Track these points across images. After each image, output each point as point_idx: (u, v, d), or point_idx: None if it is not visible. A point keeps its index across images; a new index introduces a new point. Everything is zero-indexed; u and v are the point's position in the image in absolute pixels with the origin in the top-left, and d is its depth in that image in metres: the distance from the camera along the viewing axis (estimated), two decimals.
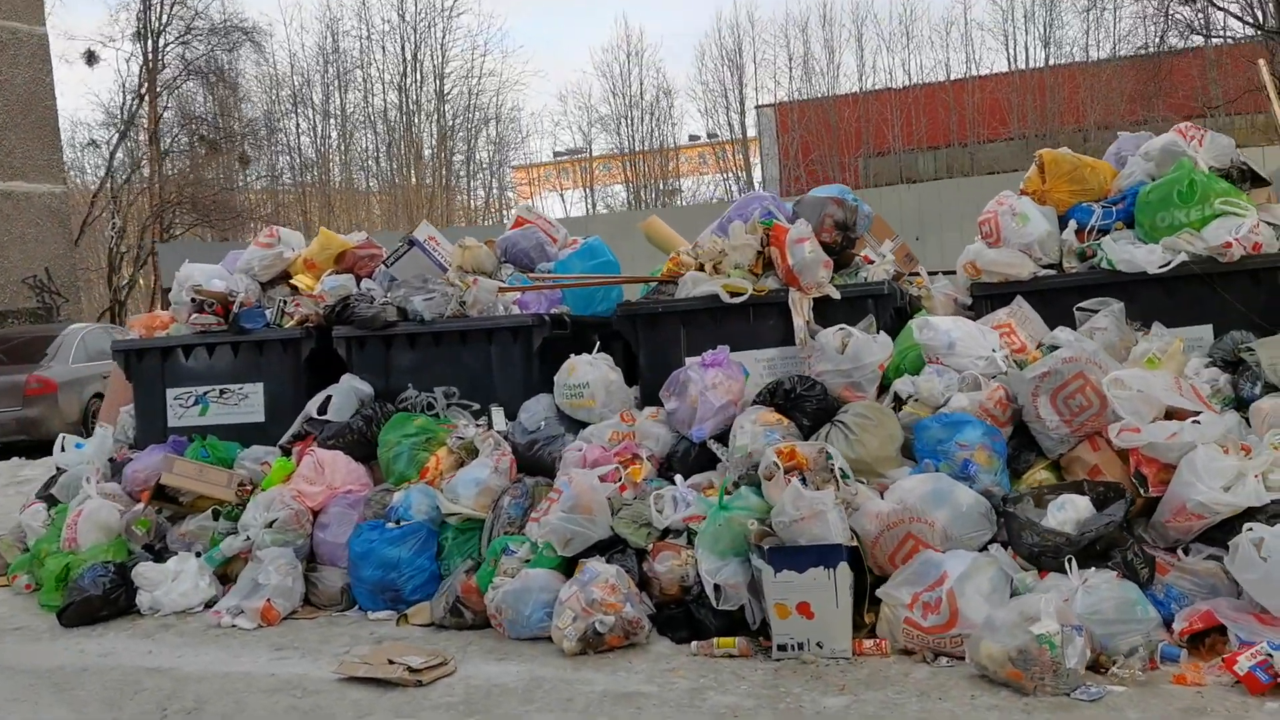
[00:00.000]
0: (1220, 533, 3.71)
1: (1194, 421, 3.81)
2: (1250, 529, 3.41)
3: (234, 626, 4.74)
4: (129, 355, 6.34)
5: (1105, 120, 30.97)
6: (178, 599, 5.04)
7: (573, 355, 5.23)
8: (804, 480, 3.92)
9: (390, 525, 4.90)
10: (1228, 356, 4.22)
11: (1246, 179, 4.68)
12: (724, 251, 5.08)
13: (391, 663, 3.94)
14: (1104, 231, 4.74)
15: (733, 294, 4.97)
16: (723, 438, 4.71)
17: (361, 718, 3.58)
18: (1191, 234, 4.45)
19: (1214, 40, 26.23)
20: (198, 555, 5.25)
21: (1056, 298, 4.71)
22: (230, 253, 6.72)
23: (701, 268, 5.23)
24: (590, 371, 5.09)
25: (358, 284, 6.15)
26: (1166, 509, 3.80)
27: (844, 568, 3.75)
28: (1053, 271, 4.78)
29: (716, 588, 4.03)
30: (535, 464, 5.08)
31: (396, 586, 4.76)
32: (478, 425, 5.32)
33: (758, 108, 37.22)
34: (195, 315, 6.02)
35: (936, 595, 3.70)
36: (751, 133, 37.92)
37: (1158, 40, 27.75)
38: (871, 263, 5.08)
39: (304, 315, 6.00)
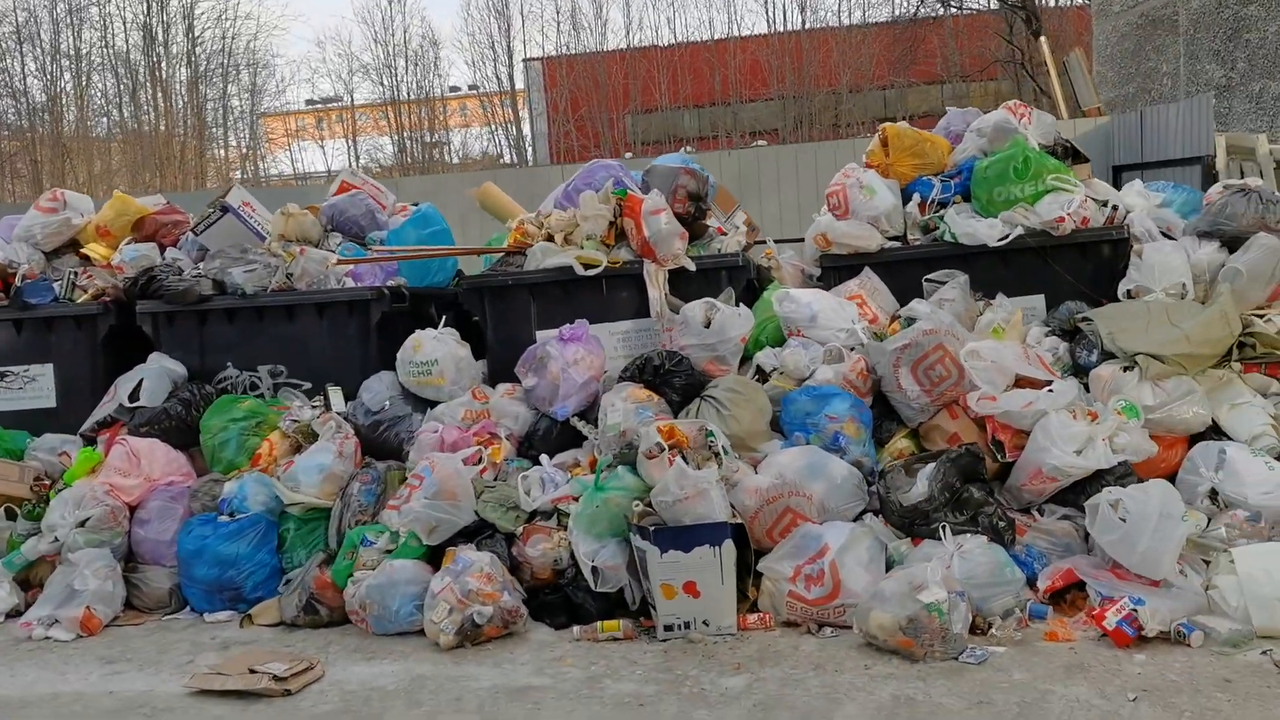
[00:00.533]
0: (1071, 494, 3.95)
1: (1049, 390, 4.03)
2: (1109, 491, 3.64)
3: (48, 639, 4.25)
4: None
5: (856, 84, 32.58)
6: None
7: (417, 331, 4.96)
8: (684, 459, 3.87)
9: (223, 518, 4.52)
10: (1064, 325, 4.49)
11: (1069, 155, 4.98)
12: (575, 222, 4.94)
13: (252, 671, 3.63)
14: (943, 204, 4.92)
15: (587, 266, 4.85)
16: (586, 414, 4.62)
17: None
18: (1026, 208, 4.69)
19: (959, 11, 27.93)
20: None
21: (902, 269, 4.86)
22: (4, 218, 5.96)
23: (550, 238, 5.07)
24: (438, 347, 4.85)
25: (162, 254, 5.60)
26: (1022, 473, 4.01)
27: (729, 545, 3.75)
28: (898, 244, 4.93)
29: (595, 570, 3.95)
30: (381, 447, 4.81)
31: (236, 585, 4.41)
32: (313, 407, 4.97)
33: (525, 61, 36.75)
34: None
35: (818, 567, 3.76)
36: (520, 86, 37.43)
37: (911, 10, 29.37)
38: (724, 234, 5.08)
39: (99, 289, 5.42)
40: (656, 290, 4.80)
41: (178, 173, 36.87)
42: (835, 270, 4.96)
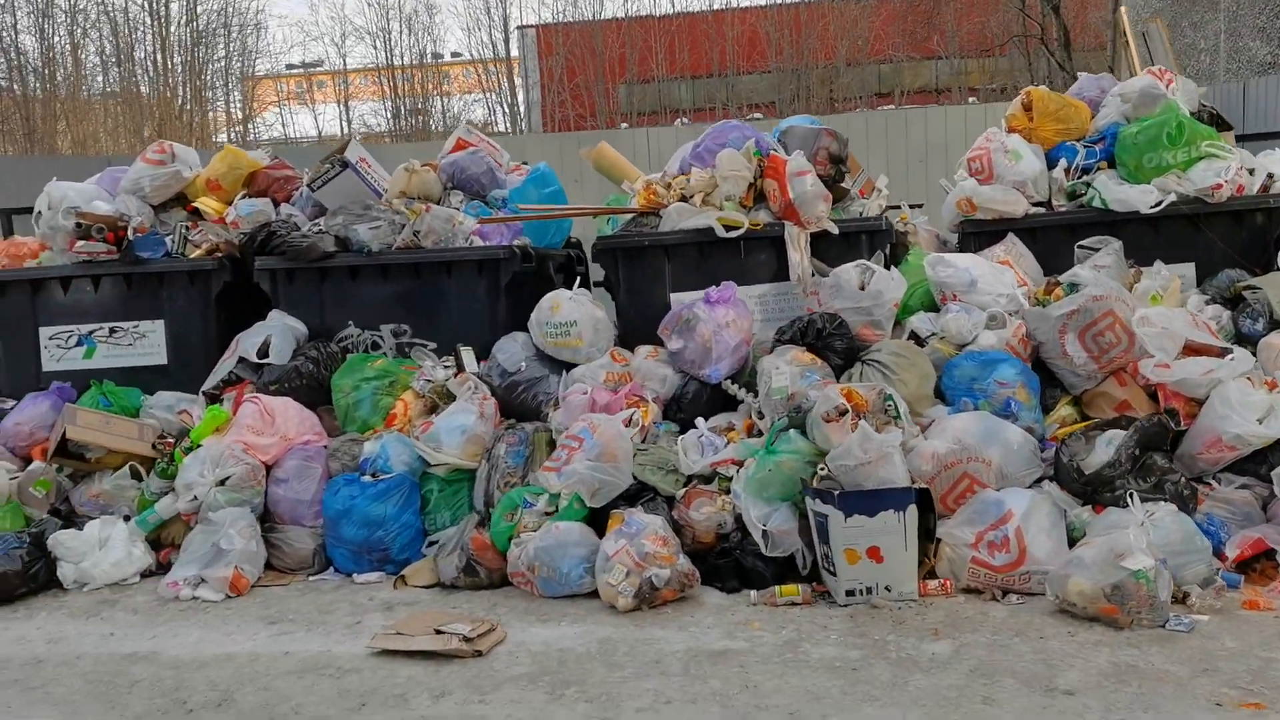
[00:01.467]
0: (1248, 463, 3.92)
1: (1228, 358, 3.98)
2: None
3: (195, 599, 4.18)
4: None
5: (853, 58, 32.44)
6: (109, 570, 4.39)
7: (554, 291, 4.88)
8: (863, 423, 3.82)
9: (366, 479, 4.44)
10: (1225, 293, 4.44)
11: (1214, 123, 4.92)
12: (714, 183, 4.85)
13: (439, 632, 3.57)
14: (1085, 170, 4.85)
15: (728, 228, 4.77)
16: (735, 377, 4.55)
17: (437, 698, 3.21)
18: (1179, 175, 4.63)
19: None
20: (126, 519, 4.58)
21: (1046, 235, 4.81)
22: (106, 170, 5.83)
23: (684, 199, 4.98)
24: (576, 308, 4.77)
25: (275, 209, 5.49)
26: (1197, 441, 3.97)
27: (913, 510, 3.70)
28: (1042, 209, 4.87)
29: (765, 534, 3.90)
30: (519, 408, 4.74)
31: (384, 546, 4.34)
32: (445, 367, 4.89)
33: (520, 28, 36.33)
34: (81, 243, 5.18)
35: (1002, 534, 3.72)
36: (515, 54, 36.98)
37: None
38: (865, 196, 5.00)
39: (213, 244, 5.31)
40: (798, 254, 4.72)
41: (181, 135, 36.43)
42: (975, 236, 4.90)
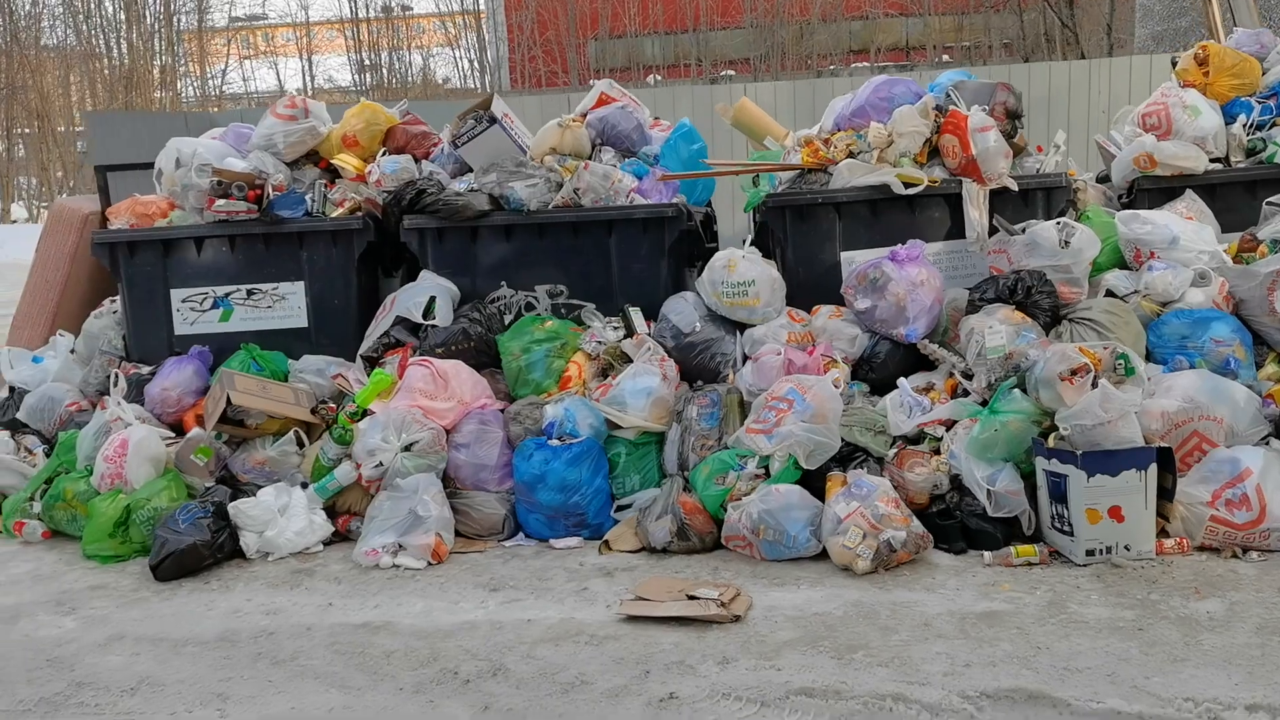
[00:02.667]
0: None
1: None
2: None
3: (396, 567, 4.06)
4: (115, 249, 5.19)
5: (829, 13, 32.31)
6: (293, 539, 4.26)
7: (727, 250, 4.77)
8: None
9: (554, 443, 4.34)
10: None
11: None
12: (890, 139, 4.75)
13: (691, 597, 3.49)
14: (1259, 127, 4.82)
15: (907, 185, 4.68)
16: (928, 337, 4.49)
17: (723, 665, 3.14)
18: None
19: None
20: (303, 486, 4.45)
21: (1225, 192, 4.77)
22: (232, 126, 5.61)
23: (851, 156, 4.88)
24: (752, 267, 4.67)
25: (417, 166, 5.31)
26: None
27: (1153, 469, 3.67)
28: (1220, 165, 4.83)
29: (990, 494, 3.85)
30: (695, 370, 4.65)
31: (580, 511, 4.25)
32: (614, 329, 4.78)
33: None
34: (221, 201, 4.98)
35: (1240, 491, 3.70)
36: (482, 8, 36.24)
37: None
38: (1043, 152, 4.93)
39: (356, 202, 5.13)
40: (977, 211, 4.66)
41: (154, 90, 35.48)
42: (1150, 193, 4.85)
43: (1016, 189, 4.70)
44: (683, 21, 33.74)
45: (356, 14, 37.83)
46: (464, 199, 4.93)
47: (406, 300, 4.85)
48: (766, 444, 4.06)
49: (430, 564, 4.07)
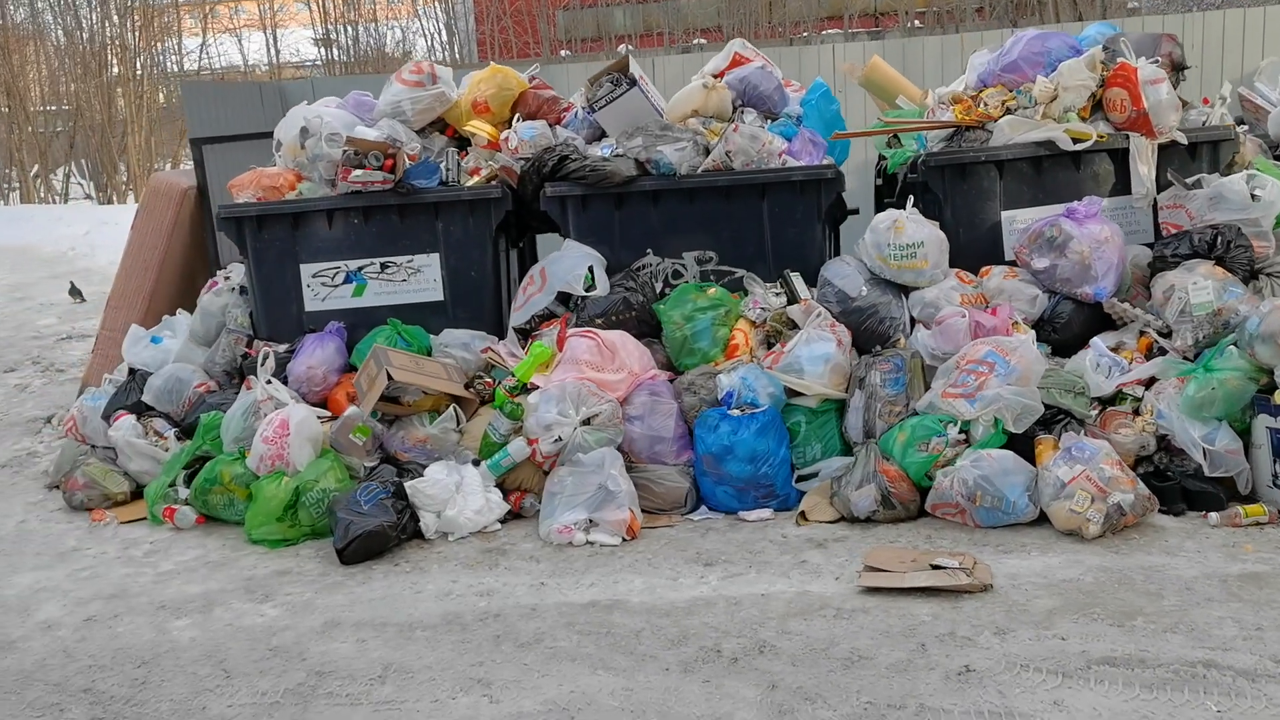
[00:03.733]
0: None
1: None
2: None
3: (589, 544, 3.94)
4: (242, 224, 4.99)
5: None
6: (473, 518, 4.13)
7: (890, 211, 4.66)
8: None
9: (735, 413, 4.22)
10: None
11: None
12: (1054, 93, 4.64)
13: (936, 567, 3.40)
14: None
15: (1075, 140, 4.58)
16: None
17: (1001, 635, 3.05)
18: None
19: None
20: (475, 464, 4.30)
21: None
22: (352, 94, 5.41)
23: (1008, 113, 4.77)
24: (920, 229, 4.55)
25: (551, 132, 5.14)
26: None
27: None
28: None
29: (1206, 454, 3.78)
30: (863, 335, 4.53)
31: (769, 482, 4.14)
32: (775, 295, 4.65)
33: None
34: (358, 172, 4.79)
35: None
36: None
37: None
38: (1210, 105, 4.83)
39: (493, 170, 4.96)
40: (1146, 166, 4.57)
41: (114, 67, 34.59)
42: None
43: (1185, 143, 4.61)
44: None
45: None
46: (611, 164, 4.77)
47: (562, 271, 4.69)
48: (968, 408, 3.96)
49: (624, 540, 3.95)
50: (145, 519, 4.56)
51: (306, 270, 5.00)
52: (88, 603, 3.76)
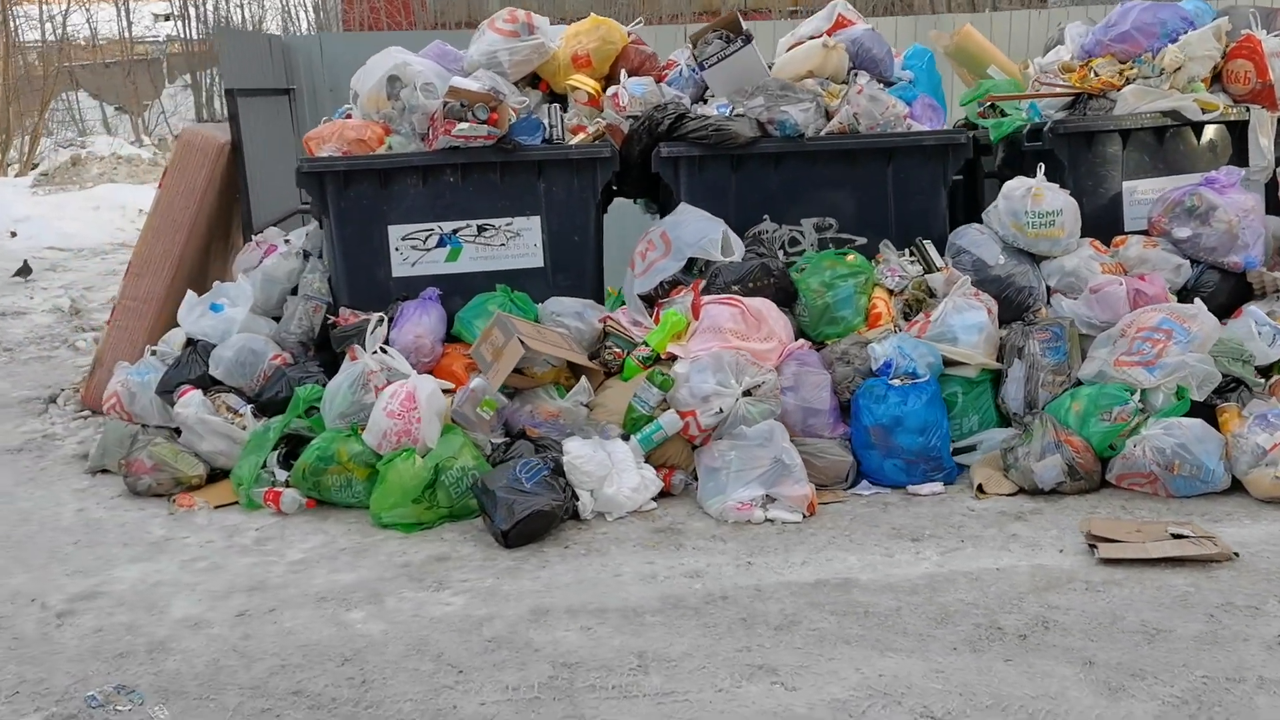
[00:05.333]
0: None
1: None
2: None
3: (769, 521, 3.70)
4: (324, 179, 4.54)
5: None
6: (631, 495, 3.84)
7: (1020, 178, 4.53)
8: None
9: (895, 382, 4.04)
10: None
11: None
12: (1178, 64, 4.61)
13: (1177, 536, 3.29)
14: None
15: (1204, 111, 4.56)
16: None
17: None
18: None
19: None
20: (624, 438, 4.00)
21: None
22: (433, 44, 4.99)
23: (1128, 82, 4.72)
24: (1057, 197, 4.45)
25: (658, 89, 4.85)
26: None
27: None
28: None
29: None
30: (1003, 305, 4.39)
31: (937, 454, 3.98)
32: (912, 262, 4.49)
33: None
34: (463, 125, 4.40)
35: None
36: None
37: None
38: None
39: (600, 128, 4.65)
40: (1267, 139, 4.60)
41: None
42: None
43: None
44: None
45: None
46: (735, 124, 4.52)
47: (690, 236, 4.42)
48: (1148, 376, 3.88)
49: (805, 516, 3.72)
50: (235, 503, 4.10)
51: (395, 232, 4.59)
52: (226, 597, 3.32)
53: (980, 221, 4.66)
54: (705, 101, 4.84)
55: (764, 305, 4.23)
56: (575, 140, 4.62)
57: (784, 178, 4.65)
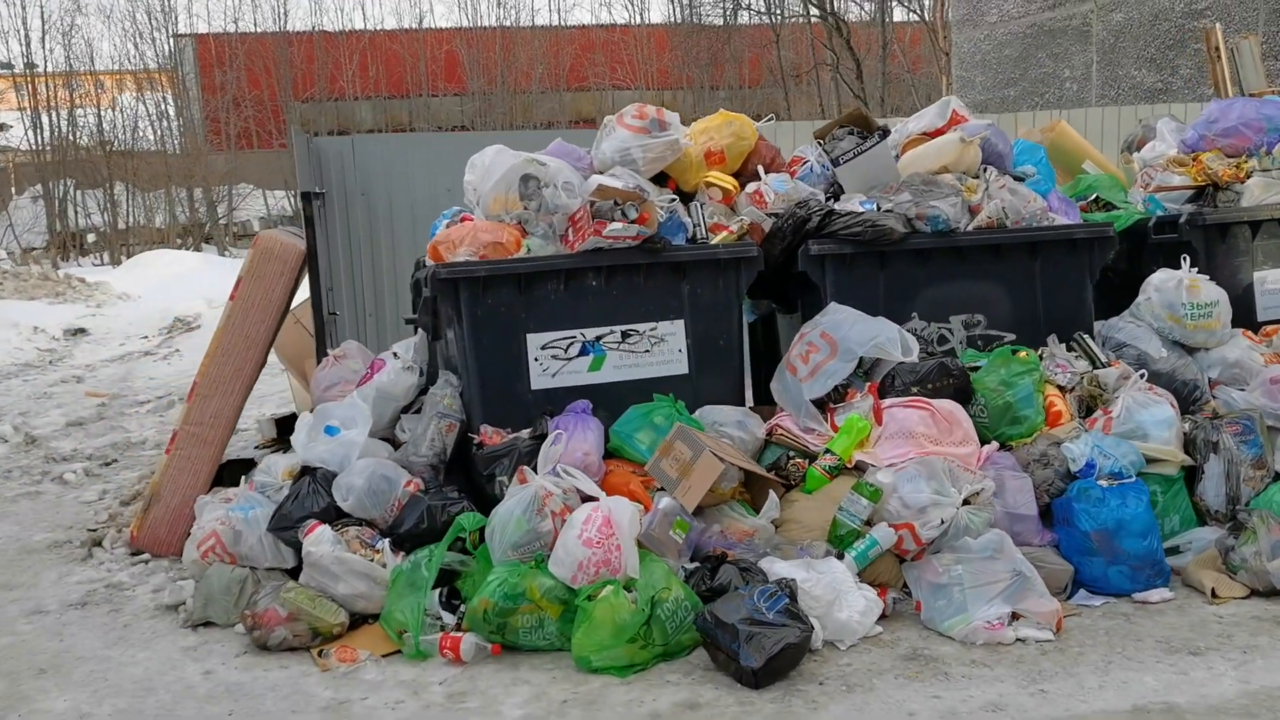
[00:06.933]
0: None
1: None
2: None
3: (1020, 641, 3.43)
4: (460, 286, 4.17)
5: (553, 83, 33.28)
6: (860, 620, 3.52)
7: (1173, 271, 4.50)
8: None
9: (1103, 483, 3.86)
10: None
11: None
12: None
13: None
14: None
15: None
16: None
17: None
18: None
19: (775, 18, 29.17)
20: (839, 556, 3.69)
21: None
22: (555, 142, 4.70)
23: (1248, 176, 4.79)
24: (1213, 288, 4.43)
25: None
26: None
27: None
28: None
29: None
30: None
31: (1159, 558, 3.80)
32: (1078, 358, 4.38)
33: (175, 36, 33.32)
34: (615, 226, 4.12)
35: None
36: (184, 65, 33.73)
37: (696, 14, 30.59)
38: None
39: (743, 226, 4.44)
40: None
41: None
42: None
43: None
44: (402, 87, 33.43)
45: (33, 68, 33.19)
46: (887, 219, 4.36)
47: (859, 336, 4.19)
48: None
49: (1055, 633, 3.47)
50: (395, 652, 3.60)
51: (534, 341, 4.23)
52: None
53: (1115, 315, 4.61)
54: (836, 198, 4.68)
55: (954, 407, 4.02)
56: (717, 239, 4.39)
57: (931, 274, 4.51)
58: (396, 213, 6.36)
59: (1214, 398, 4.35)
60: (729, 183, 4.57)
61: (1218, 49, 9.14)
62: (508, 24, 35.17)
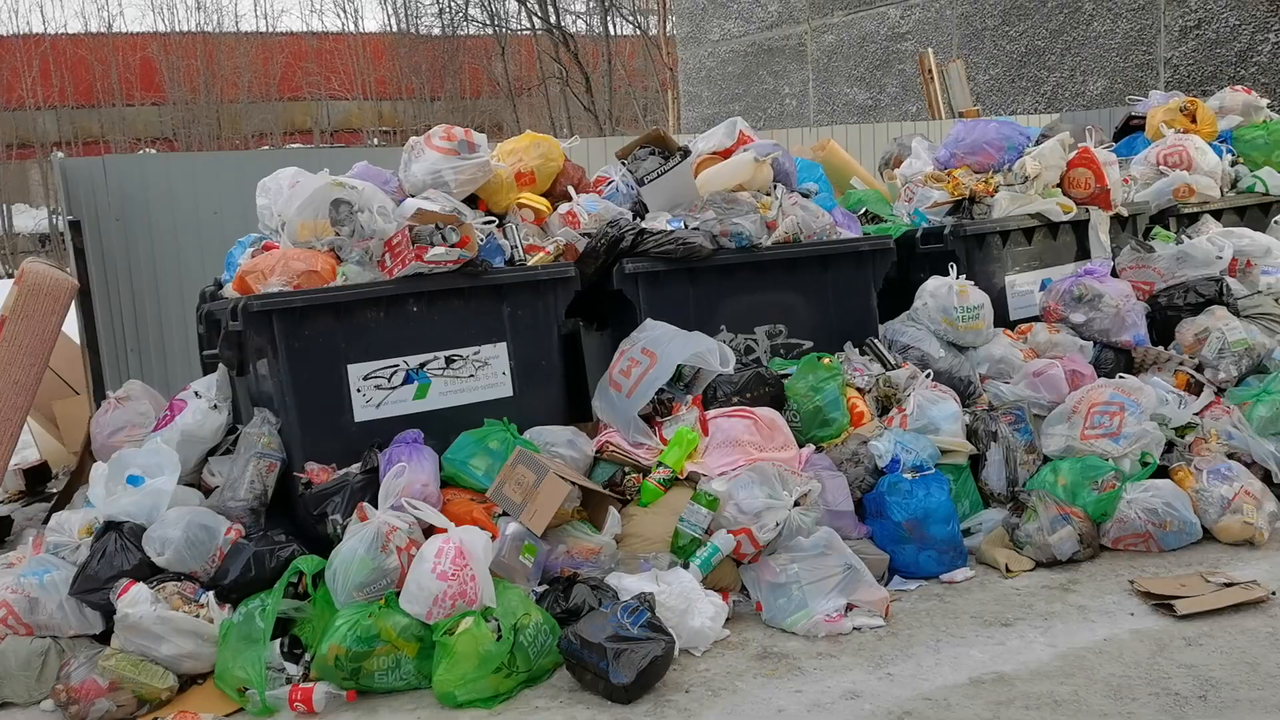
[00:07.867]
0: None
1: None
2: None
3: (857, 630, 3.70)
4: (273, 319, 3.97)
5: (261, 94, 32.39)
6: (712, 625, 3.67)
7: (945, 278, 4.95)
8: None
9: (908, 475, 4.23)
10: None
11: None
12: (1038, 172, 5.31)
13: (1228, 585, 3.72)
14: None
15: (1064, 212, 5.28)
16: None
17: None
18: None
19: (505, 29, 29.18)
20: (684, 566, 3.82)
21: (1228, 216, 5.98)
22: (360, 164, 4.53)
23: (995, 190, 5.36)
24: (978, 293, 4.91)
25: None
26: None
27: None
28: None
29: (1277, 463, 4.55)
30: None
31: (960, 541, 4.20)
32: (870, 362, 4.73)
33: None
34: (437, 250, 4.07)
35: None
36: None
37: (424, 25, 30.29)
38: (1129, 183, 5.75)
39: (559, 247, 4.50)
40: (1105, 235, 5.39)
41: None
42: (1179, 218, 5.91)
43: (1126, 215, 5.51)
44: (93, 95, 31.23)
45: None
46: (696, 237, 4.55)
47: (678, 350, 4.33)
48: (1114, 446, 4.36)
49: (884, 621, 3.76)
50: (238, 711, 3.40)
51: (356, 371, 4.10)
52: None
53: (889, 319, 5.03)
54: (641, 217, 4.83)
55: (774, 414, 4.26)
56: (534, 260, 4.42)
57: (735, 288, 4.74)
58: (158, 239, 5.93)
59: (984, 391, 4.82)
60: (542, 203, 4.61)
61: (931, 71, 10.06)
62: (209, 29, 33.34)
